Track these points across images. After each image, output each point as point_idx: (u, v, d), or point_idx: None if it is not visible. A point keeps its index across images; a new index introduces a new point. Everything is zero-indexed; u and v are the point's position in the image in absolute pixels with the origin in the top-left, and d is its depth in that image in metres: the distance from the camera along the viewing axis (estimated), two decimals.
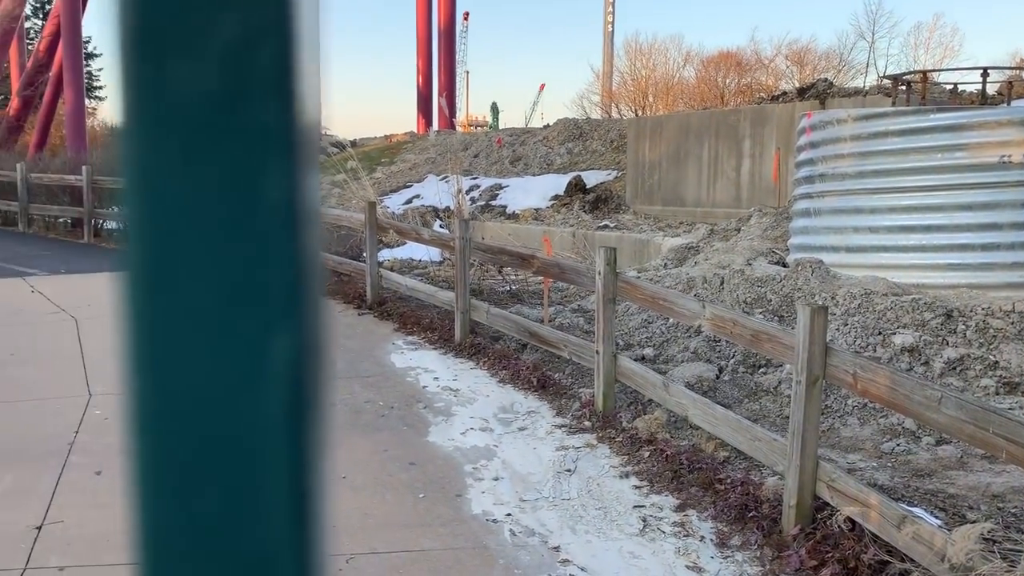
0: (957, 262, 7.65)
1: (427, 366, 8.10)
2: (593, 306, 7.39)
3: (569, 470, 5.61)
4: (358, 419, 6.58)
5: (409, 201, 23.67)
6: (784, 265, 8.96)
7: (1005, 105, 9.16)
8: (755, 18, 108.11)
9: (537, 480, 5.45)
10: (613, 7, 56.91)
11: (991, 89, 10.30)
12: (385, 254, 13.95)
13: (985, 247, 7.53)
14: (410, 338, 9.23)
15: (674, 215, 16.69)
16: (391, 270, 11.63)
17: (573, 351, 7.25)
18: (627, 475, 5.51)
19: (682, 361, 7.65)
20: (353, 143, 33.15)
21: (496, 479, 5.47)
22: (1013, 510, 4.70)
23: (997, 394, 6.42)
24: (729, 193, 15.50)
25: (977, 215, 7.56)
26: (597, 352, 6.64)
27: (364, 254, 11.07)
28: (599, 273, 6.59)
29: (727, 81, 35.99)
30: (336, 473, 5.45)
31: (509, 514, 4.96)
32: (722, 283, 8.85)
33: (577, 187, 20.69)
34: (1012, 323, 7.28)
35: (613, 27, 56.17)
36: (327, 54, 0.43)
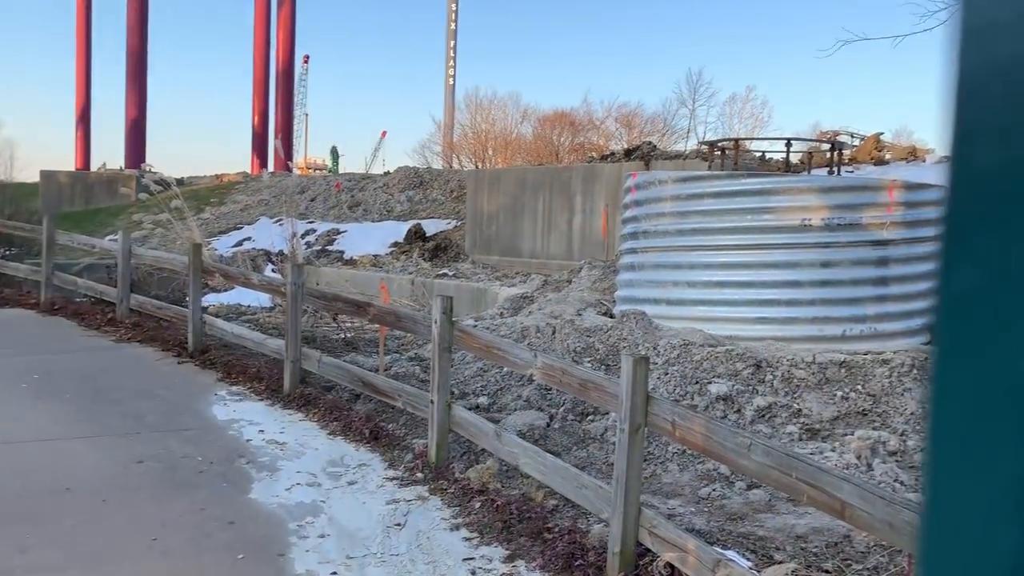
0: (765, 316, 8.16)
1: (252, 418, 7.71)
2: (430, 355, 7.31)
3: (399, 524, 5.48)
4: (173, 476, 6.14)
5: (239, 244, 22.76)
6: (611, 316, 9.26)
7: (806, 173, 10.05)
8: (588, 81, 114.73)
9: (365, 536, 5.29)
10: (455, 61, 58.23)
11: (794, 158, 11.28)
12: (211, 299, 13.28)
13: (789, 303, 8.09)
14: (235, 388, 8.77)
15: (511, 265, 17.02)
16: (216, 316, 11.07)
17: (408, 401, 7.13)
18: (458, 527, 5.46)
19: (515, 409, 7.71)
20: (180, 181, 31.60)
21: (322, 536, 5.25)
22: (815, 550, 5.04)
23: (800, 439, 6.87)
24: (562, 246, 16.14)
25: (781, 273, 8.12)
26: (432, 402, 6.56)
27: (187, 298, 10.47)
28: (435, 321, 6.55)
29: (561, 139, 37.43)
30: (145, 535, 5.05)
31: (334, 573, 4.76)
32: (554, 332, 9.01)
33: (417, 235, 20.71)
34: (813, 373, 7.83)
35: (455, 80, 57.36)
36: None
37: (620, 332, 8.70)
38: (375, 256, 19.93)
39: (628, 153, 17.30)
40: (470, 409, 7.12)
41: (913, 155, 14.66)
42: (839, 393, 7.65)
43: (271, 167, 43.60)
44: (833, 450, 6.67)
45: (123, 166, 42.72)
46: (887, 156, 15.27)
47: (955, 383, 0.48)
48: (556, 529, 5.21)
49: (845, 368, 7.88)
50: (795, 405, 7.34)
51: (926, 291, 8.05)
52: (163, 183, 23.53)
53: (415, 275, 16.90)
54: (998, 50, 0.46)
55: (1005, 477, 0.45)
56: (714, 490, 6.09)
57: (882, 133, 17.71)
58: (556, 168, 19.10)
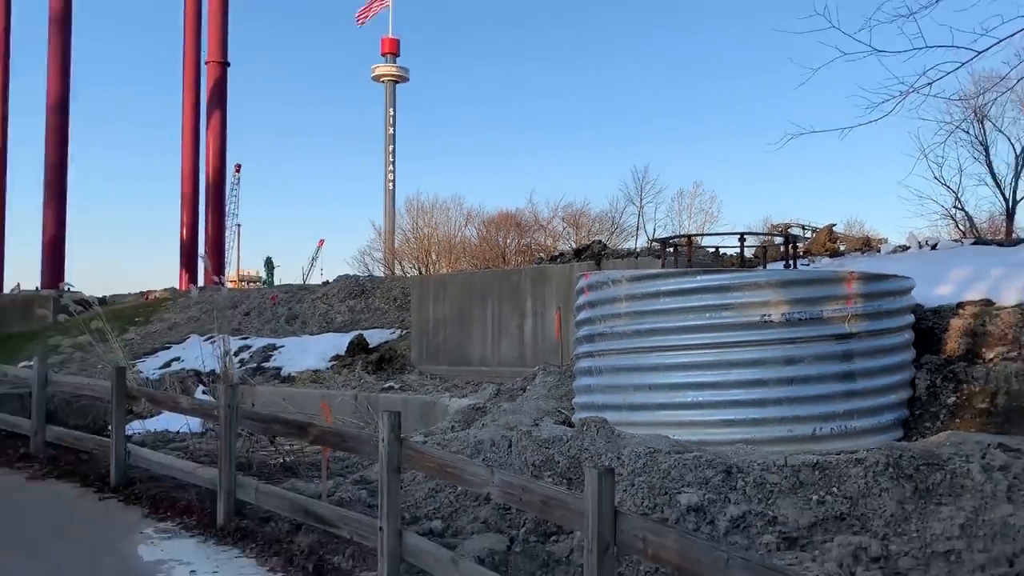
0: (731, 418, 8.11)
1: (183, 558, 7.35)
2: (377, 476, 7.09)
3: None
4: None
5: (167, 364, 22.25)
6: (570, 425, 9.14)
7: (762, 268, 10.30)
8: (532, 181, 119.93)
9: None
10: (394, 166, 59.34)
11: (747, 253, 11.54)
12: (137, 426, 12.84)
13: (754, 403, 8.07)
14: (163, 525, 8.38)
15: (461, 375, 16.89)
16: (142, 444, 10.68)
17: (354, 529, 6.87)
18: None
19: (472, 533, 7.48)
20: (102, 300, 31.02)
21: None
22: None
23: (778, 550, 6.76)
24: (514, 352, 16.12)
25: (745, 372, 8.14)
26: (380, 529, 6.33)
27: (109, 427, 10.11)
28: (382, 440, 6.39)
29: (508, 241, 37.94)
30: None
31: None
32: (510, 446, 8.87)
33: (359, 347, 20.51)
34: (786, 477, 7.73)
35: (394, 185, 58.27)
36: None
37: (581, 442, 8.58)
38: (315, 371, 19.64)
39: (578, 253, 17.75)
40: (423, 535, 6.87)
41: (867, 245, 15.46)
42: (814, 497, 7.58)
43: (201, 281, 43.18)
44: (813, 559, 6.57)
45: (39, 286, 41.80)
46: (841, 247, 16.03)
47: None
48: None
49: (819, 470, 7.83)
50: (770, 512, 7.25)
51: (894, 384, 8.18)
52: (84, 303, 23.07)
53: (358, 390, 16.65)
54: None
55: None
56: None
57: (834, 224, 18.44)
58: (504, 271, 19.30)
